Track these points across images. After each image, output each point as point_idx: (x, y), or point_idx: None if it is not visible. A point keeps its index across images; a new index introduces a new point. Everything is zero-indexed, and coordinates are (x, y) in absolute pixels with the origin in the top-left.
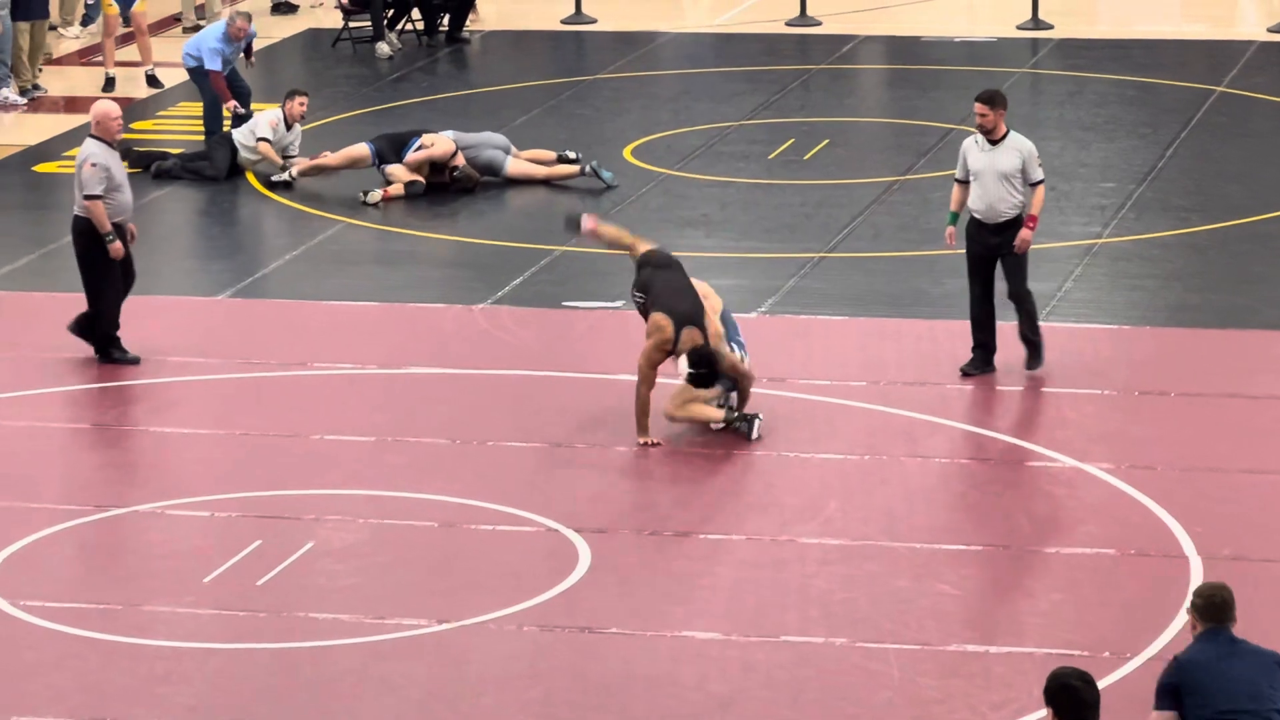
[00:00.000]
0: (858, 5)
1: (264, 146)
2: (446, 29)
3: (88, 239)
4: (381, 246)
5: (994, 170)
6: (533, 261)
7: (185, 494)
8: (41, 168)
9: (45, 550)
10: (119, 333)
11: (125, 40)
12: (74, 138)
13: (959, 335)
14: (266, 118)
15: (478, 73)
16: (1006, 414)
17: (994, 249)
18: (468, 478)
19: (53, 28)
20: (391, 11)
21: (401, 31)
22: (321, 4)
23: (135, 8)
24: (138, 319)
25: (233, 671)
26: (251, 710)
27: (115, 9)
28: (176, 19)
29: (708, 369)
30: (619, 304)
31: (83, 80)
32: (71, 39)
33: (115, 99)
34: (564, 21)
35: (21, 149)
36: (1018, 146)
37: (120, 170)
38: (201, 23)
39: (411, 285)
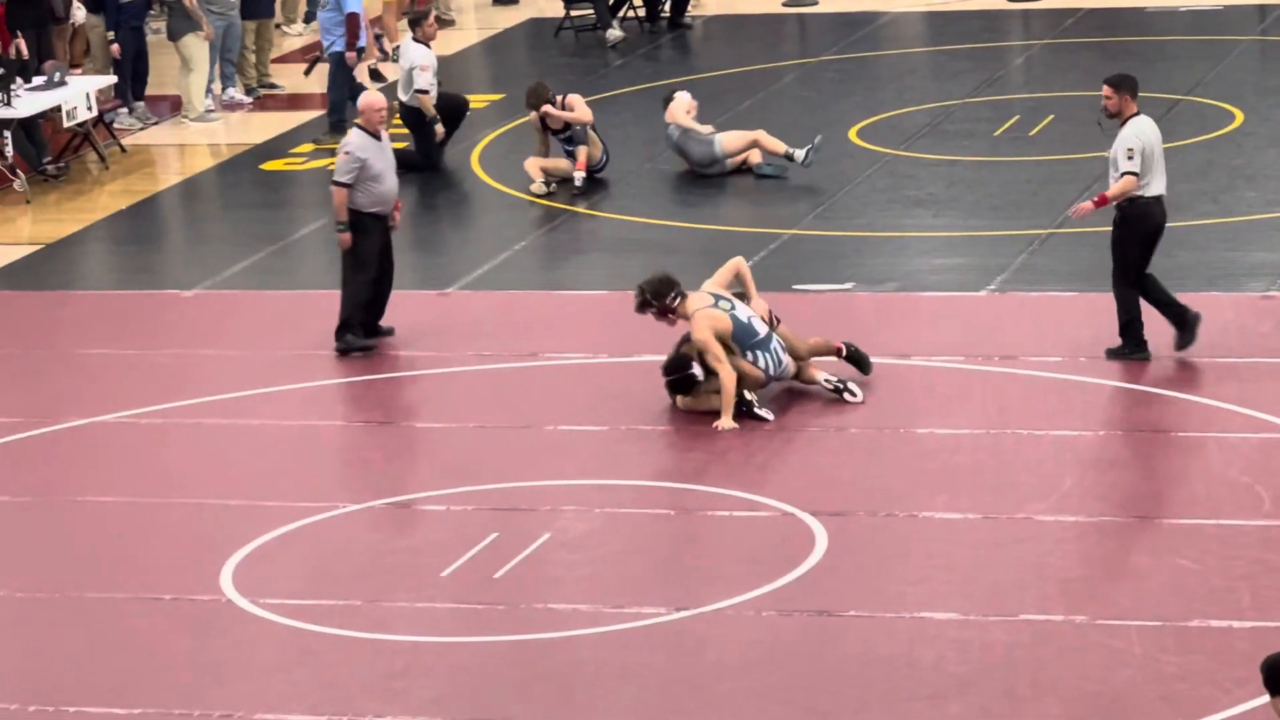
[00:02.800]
0: None
1: (424, 99)
2: (668, 15)
3: (350, 224)
4: (609, 234)
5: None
6: (762, 245)
7: (421, 488)
8: (269, 165)
9: (283, 548)
10: (382, 323)
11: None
12: (299, 135)
13: (1193, 307)
14: (421, 61)
15: (700, 58)
16: (1244, 386)
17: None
18: (702, 464)
19: (276, 26)
20: None
21: (624, 19)
22: None
23: None
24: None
25: (472, 664)
26: (492, 702)
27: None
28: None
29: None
30: (849, 286)
31: (309, 78)
32: (295, 36)
33: None
34: (785, 4)
35: (249, 147)
36: (1120, 135)
37: (381, 161)
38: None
39: (641, 272)
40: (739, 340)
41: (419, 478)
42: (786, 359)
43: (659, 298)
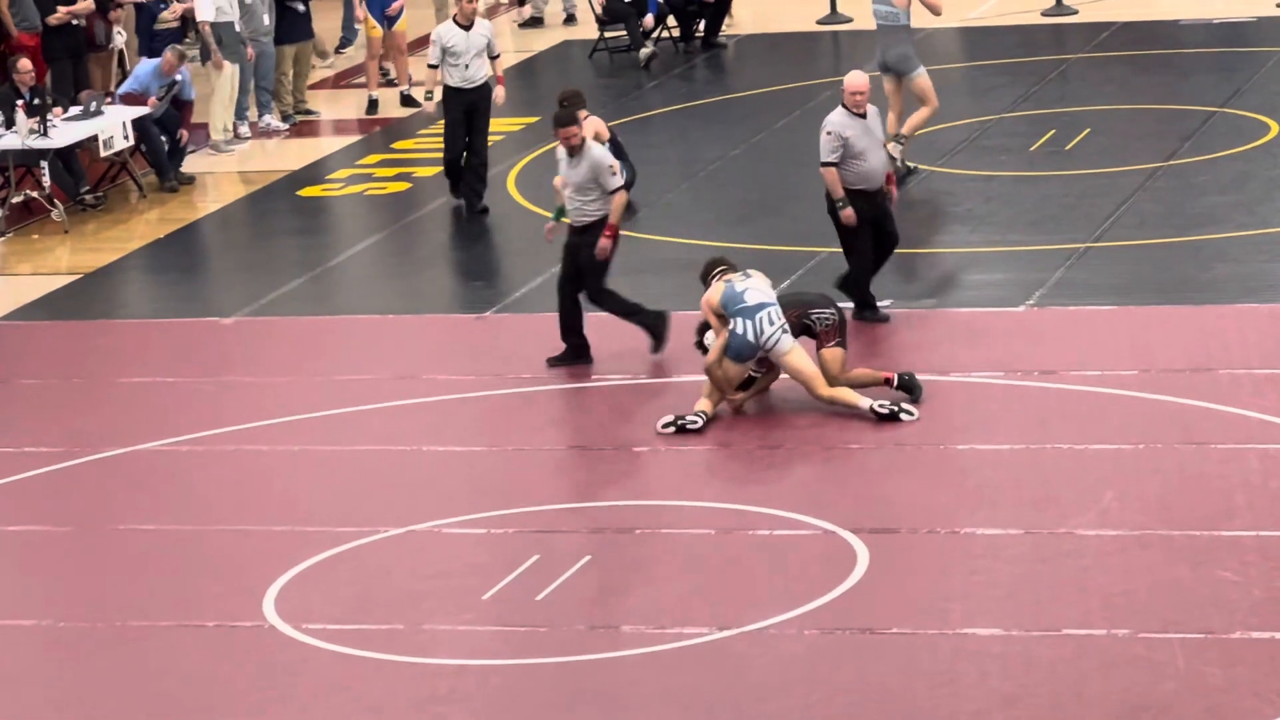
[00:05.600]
0: None
1: (429, 72)
2: (702, 35)
3: (833, 203)
4: (647, 255)
5: (574, 182)
6: (800, 263)
7: (461, 512)
8: (306, 192)
9: (325, 573)
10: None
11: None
12: (336, 161)
13: (1229, 319)
14: (433, 35)
15: (735, 77)
16: None
17: (574, 249)
18: (742, 483)
19: (322, 54)
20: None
21: (658, 39)
22: (571, 19)
23: (397, 27)
24: (403, 339)
25: (515, 687)
26: None
27: (379, 31)
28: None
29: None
30: (887, 303)
31: (343, 103)
32: (326, 68)
33: (378, 120)
34: (819, 22)
35: (286, 174)
36: (592, 157)
37: (865, 139)
38: None
39: (681, 293)
40: (725, 304)
41: (459, 501)
42: (771, 331)
43: (703, 277)
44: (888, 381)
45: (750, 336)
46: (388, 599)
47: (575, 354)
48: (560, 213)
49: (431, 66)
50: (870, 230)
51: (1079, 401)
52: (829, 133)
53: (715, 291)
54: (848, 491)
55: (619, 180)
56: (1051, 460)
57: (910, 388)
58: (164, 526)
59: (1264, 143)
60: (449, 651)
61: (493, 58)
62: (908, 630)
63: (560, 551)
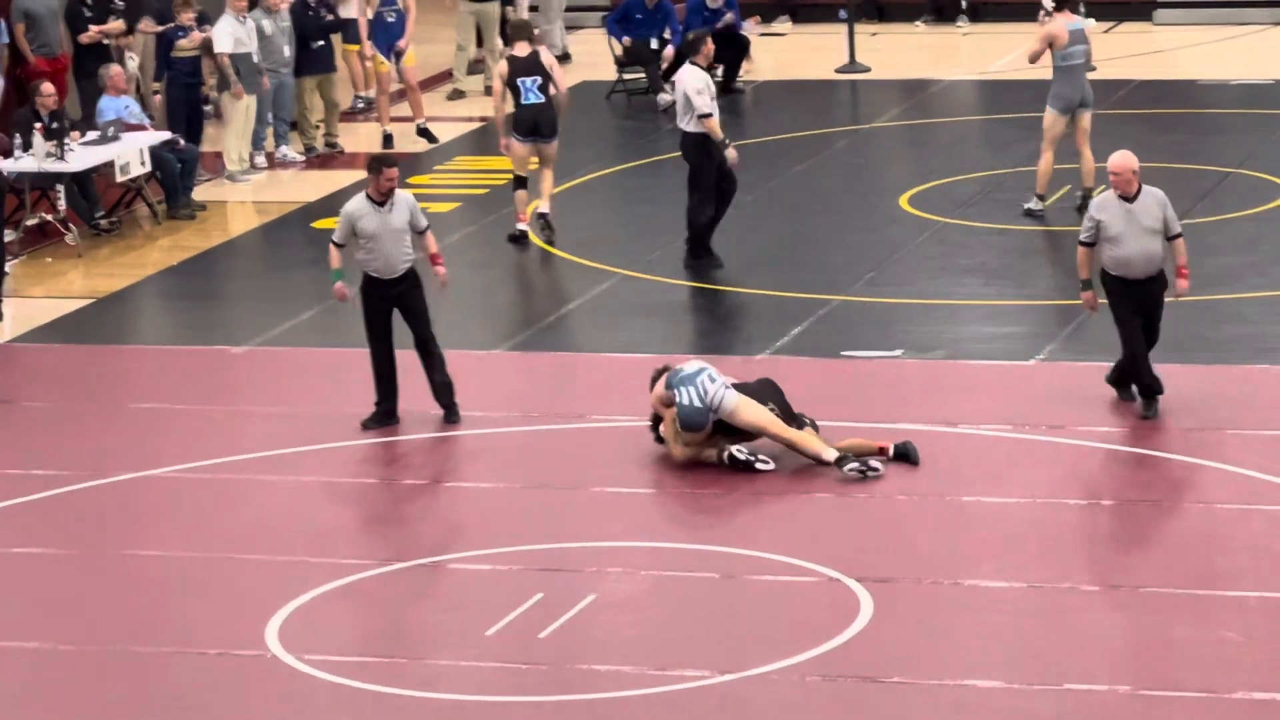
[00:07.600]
0: (1132, 50)
1: (710, 123)
2: (721, 80)
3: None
4: (660, 298)
5: (389, 229)
6: (811, 311)
7: (466, 548)
8: (320, 224)
9: (329, 605)
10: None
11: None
12: (351, 193)
13: (1239, 379)
14: (696, 84)
15: (752, 122)
16: None
17: (392, 299)
18: (748, 528)
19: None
20: (666, 64)
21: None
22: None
23: (404, 62)
24: (415, 373)
25: None
26: None
27: (387, 66)
28: (450, 74)
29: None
30: (898, 353)
31: (360, 136)
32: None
33: (392, 154)
34: (838, 71)
35: (300, 205)
36: (405, 201)
37: (1122, 223)
38: (461, 82)
39: (690, 336)
40: (670, 384)
41: (465, 537)
42: (714, 389)
43: (652, 381)
44: (882, 451)
45: (696, 401)
46: (391, 632)
47: (389, 415)
48: (339, 274)
49: (707, 116)
50: (1137, 320)
51: (1087, 457)
52: (1089, 212)
53: (659, 384)
54: (852, 539)
55: (426, 218)
56: (1057, 515)
57: (907, 457)
58: (169, 553)
59: (1278, 205)
60: (450, 687)
61: None
62: (909, 680)
63: (564, 590)
